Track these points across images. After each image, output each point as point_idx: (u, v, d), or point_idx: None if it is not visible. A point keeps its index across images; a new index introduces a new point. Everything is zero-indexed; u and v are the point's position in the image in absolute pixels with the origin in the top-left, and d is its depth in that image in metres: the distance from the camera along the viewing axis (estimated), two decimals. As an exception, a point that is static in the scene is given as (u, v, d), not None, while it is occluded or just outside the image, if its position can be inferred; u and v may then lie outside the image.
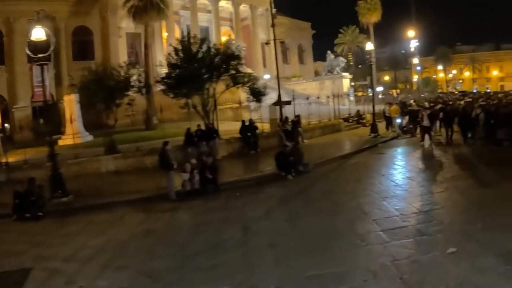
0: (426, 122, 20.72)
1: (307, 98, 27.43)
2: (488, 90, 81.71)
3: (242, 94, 27.98)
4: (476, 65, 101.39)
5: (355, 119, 32.04)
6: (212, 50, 22.80)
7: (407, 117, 25.49)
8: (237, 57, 23.00)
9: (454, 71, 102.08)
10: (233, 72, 23.04)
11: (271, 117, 26.74)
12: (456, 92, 75.73)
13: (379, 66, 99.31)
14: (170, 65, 22.47)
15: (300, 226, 10.72)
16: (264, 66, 57.56)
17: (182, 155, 19.71)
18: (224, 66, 22.56)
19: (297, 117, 25.45)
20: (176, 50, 22.44)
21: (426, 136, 20.51)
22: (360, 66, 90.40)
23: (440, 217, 10.30)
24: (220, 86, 23.87)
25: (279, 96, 26.95)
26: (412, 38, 58.21)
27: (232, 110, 32.53)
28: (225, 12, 55.65)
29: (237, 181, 16.33)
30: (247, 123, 22.83)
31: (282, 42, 33.37)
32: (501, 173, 14.20)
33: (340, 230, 10.08)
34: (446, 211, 10.86)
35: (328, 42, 74.20)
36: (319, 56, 71.16)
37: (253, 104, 27.27)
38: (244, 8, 56.15)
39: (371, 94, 60.28)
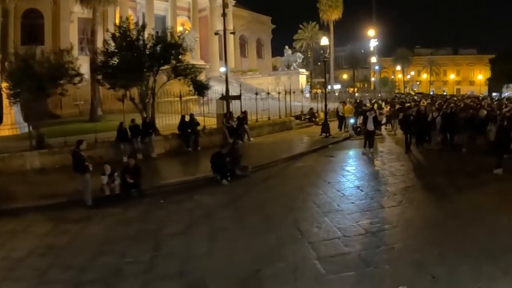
0: (370, 126, 19.22)
1: (256, 94, 25.26)
2: (445, 93, 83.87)
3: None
4: (434, 68, 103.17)
5: (308, 117, 30.35)
6: (153, 38, 20.39)
7: (361, 117, 23.97)
8: (178, 46, 20.69)
9: (412, 73, 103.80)
10: (173, 62, 20.69)
11: (218, 112, 24.63)
12: (413, 93, 76.76)
13: (339, 64, 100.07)
14: (107, 53, 19.96)
15: (220, 248, 8.80)
16: (221, 58, 55.25)
17: (115, 152, 17.90)
18: (165, 56, 20.22)
19: (244, 113, 23.46)
20: (114, 36, 19.91)
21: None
22: (319, 63, 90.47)
23: (390, 240, 8.69)
24: (162, 78, 21.57)
25: (227, 90, 24.88)
26: (372, 37, 57.94)
27: (181, 103, 30.43)
28: (183, 2, 53.20)
29: (166, 185, 14.16)
30: (187, 119, 20.61)
31: (232, 33, 31.25)
32: (458, 184, 13.14)
33: (267, 255, 8.23)
34: (398, 232, 9.22)
35: (289, 38, 73.24)
36: (278, 51, 69.91)
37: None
38: (202, -3, 53.78)
39: (329, 91, 60.38)
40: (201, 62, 34.30)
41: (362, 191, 12.65)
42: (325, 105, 24.87)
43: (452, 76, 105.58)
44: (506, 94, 75.18)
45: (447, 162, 16.58)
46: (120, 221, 11.11)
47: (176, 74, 21.11)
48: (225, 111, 23.68)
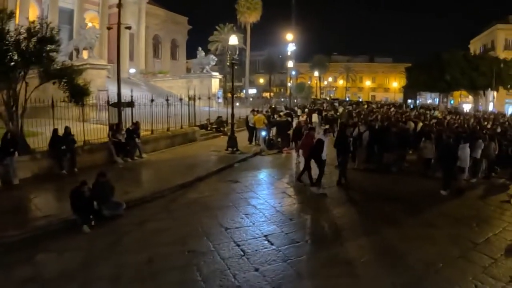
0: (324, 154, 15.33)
1: (152, 101, 20.66)
2: (360, 99, 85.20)
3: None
4: (350, 74, 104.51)
5: (215, 126, 26.39)
6: (22, 29, 15.22)
7: (274, 129, 20.51)
8: (51, 41, 15.67)
9: (330, 79, 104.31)
10: (46, 61, 15.67)
11: (112, 122, 19.92)
12: (329, 99, 76.92)
13: (255, 68, 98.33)
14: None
15: None
16: (131, 59, 52.01)
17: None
18: (37, 53, 15.19)
19: (135, 124, 18.89)
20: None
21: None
22: (236, 67, 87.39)
23: None
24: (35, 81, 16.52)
25: (119, 95, 20.22)
26: (290, 41, 56.21)
27: (78, 109, 25.49)
28: (93, -5, 48.65)
29: (3, 237, 9.38)
30: (61, 132, 15.69)
31: (128, 28, 26.58)
32: (396, 229, 10.19)
33: None
34: None
35: (206, 39, 69.53)
36: (194, 53, 66.86)
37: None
38: (114, -7, 48.82)
39: (244, 96, 57.54)
40: (102, 62, 29.45)
41: (271, 244, 8.92)
42: (232, 115, 20.98)
43: (368, 83, 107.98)
44: (419, 101, 78.65)
45: (383, 187, 13.82)
46: None
47: (49, 77, 16.15)
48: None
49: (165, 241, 9.11)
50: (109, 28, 31.28)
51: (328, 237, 9.43)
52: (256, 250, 8.56)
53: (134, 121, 19.24)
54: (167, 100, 21.21)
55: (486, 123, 27.27)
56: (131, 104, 20.61)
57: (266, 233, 9.54)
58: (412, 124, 22.03)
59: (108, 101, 19.27)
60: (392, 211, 11.56)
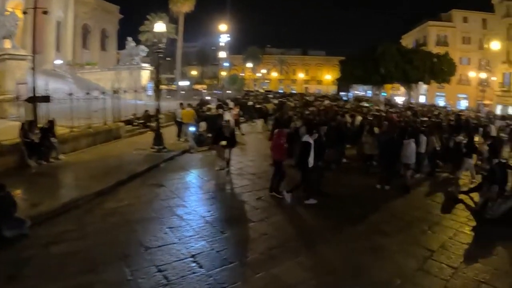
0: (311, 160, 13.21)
1: (71, 94, 18.35)
2: (294, 91, 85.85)
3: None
4: (284, 67, 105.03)
5: (142, 121, 24.28)
6: None
7: (204, 124, 18.91)
8: None
9: (263, 71, 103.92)
10: None
11: (27, 119, 17.46)
12: (262, 91, 76.04)
13: (188, 60, 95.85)
14: None
15: None
16: (58, 50, 48.38)
17: None
18: None
19: (50, 122, 16.49)
20: None
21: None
22: (168, 59, 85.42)
23: None
24: None
25: (34, 88, 17.80)
26: (223, 32, 54.81)
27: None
28: (18, -20, 44.74)
29: None
30: None
31: (45, 13, 23.77)
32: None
33: None
34: None
35: (137, 30, 66.47)
36: (125, 44, 63.97)
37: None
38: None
39: (176, 88, 55.47)
40: (22, 52, 26.45)
41: (200, 267, 7.34)
42: (157, 109, 19.02)
43: (301, 75, 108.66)
44: (352, 93, 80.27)
45: (324, 188, 12.12)
46: None
47: None
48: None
49: (73, 270, 7.14)
50: (24, 13, 28.16)
51: (265, 254, 7.99)
52: (182, 277, 6.95)
53: (51, 118, 16.92)
54: (87, 93, 19.02)
55: (422, 116, 27.21)
56: (46, 98, 18.21)
57: (194, 251, 7.94)
58: (349, 118, 21.25)
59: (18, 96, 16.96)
60: (337, 217, 10.42)
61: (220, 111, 22.83)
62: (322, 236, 9.05)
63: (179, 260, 7.61)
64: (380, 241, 8.89)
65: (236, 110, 25.72)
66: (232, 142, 14.68)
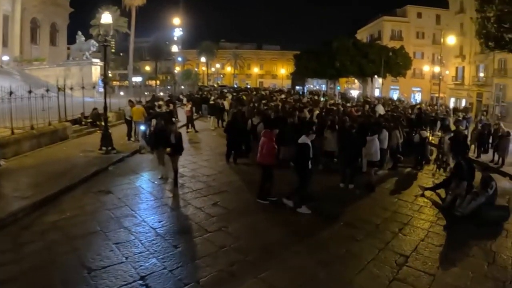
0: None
1: (11, 93, 16.63)
2: (248, 86, 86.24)
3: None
4: (238, 61, 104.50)
5: (90, 120, 22.79)
6: None
7: (154, 121, 17.89)
8: None
9: (218, 65, 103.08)
10: None
11: None
12: (217, 86, 75.93)
13: (141, 55, 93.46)
14: None
15: None
16: (5, 45, 46.08)
17: None
18: None
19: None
20: None
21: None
22: (121, 54, 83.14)
23: None
24: None
25: None
26: (177, 26, 53.39)
27: None
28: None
29: None
30: None
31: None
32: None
33: None
34: None
35: (88, 23, 63.83)
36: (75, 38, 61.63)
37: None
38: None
39: (129, 84, 53.70)
40: None
41: (152, 290, 6.35)
42: (105, 108, 17.62)
43: (256, 70, 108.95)
44: (307, 87, 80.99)
45: (285, 189, 11.17)
46: None
47: None
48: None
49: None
50: None
51: (225, 272, 7.05)
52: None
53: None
54: (30, 92, 17.37)
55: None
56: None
57: (143, 272, 6.90)
58: (307, 113, 20.65)
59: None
60: (302, 222, 9.67)
61: (171, 106, 21.74)
62: (287, 246, 8.20)
63: (127, 284, 6.54)
64: (350, 248, 8.19)
65: (188, 106, 24.67)
66: (179, 149, 12.62)
